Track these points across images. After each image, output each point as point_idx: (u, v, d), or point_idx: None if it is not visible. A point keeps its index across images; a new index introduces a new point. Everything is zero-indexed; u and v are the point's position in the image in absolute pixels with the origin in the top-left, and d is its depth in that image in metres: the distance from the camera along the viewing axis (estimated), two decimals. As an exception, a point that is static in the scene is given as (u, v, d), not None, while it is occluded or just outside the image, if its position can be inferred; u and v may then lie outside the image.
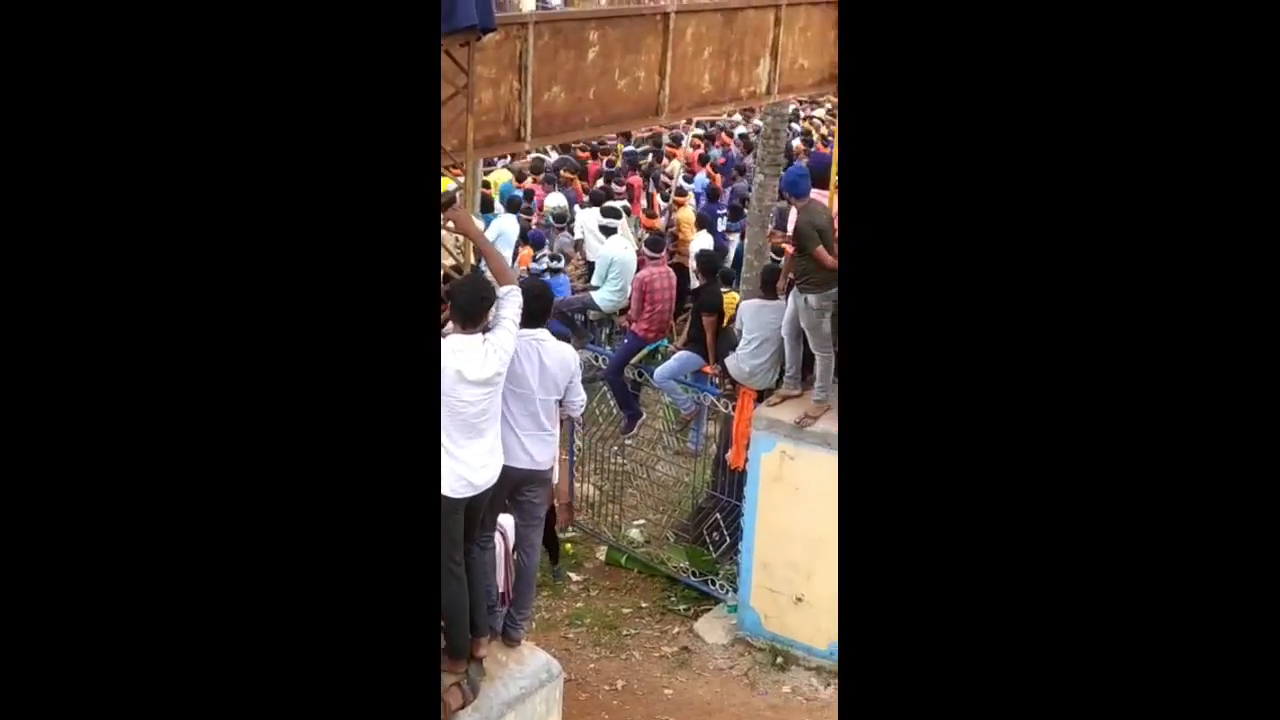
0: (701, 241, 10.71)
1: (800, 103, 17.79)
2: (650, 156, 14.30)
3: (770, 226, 8.88)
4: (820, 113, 18.84)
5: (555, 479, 5.50)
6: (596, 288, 9.47)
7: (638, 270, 8.86)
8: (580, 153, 13.36)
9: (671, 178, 13.40)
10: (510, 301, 4.13)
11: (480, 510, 4.22)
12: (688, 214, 11.65)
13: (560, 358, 4.39)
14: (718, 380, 7.83)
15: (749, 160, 13.68)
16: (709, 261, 8.21)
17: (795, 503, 6.87)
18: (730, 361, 7.31)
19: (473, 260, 4.63)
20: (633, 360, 8.20)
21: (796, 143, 14.70)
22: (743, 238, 11.02)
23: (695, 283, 9.37)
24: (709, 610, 7.53)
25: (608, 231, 9.95)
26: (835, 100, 6.78)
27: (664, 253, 8.58)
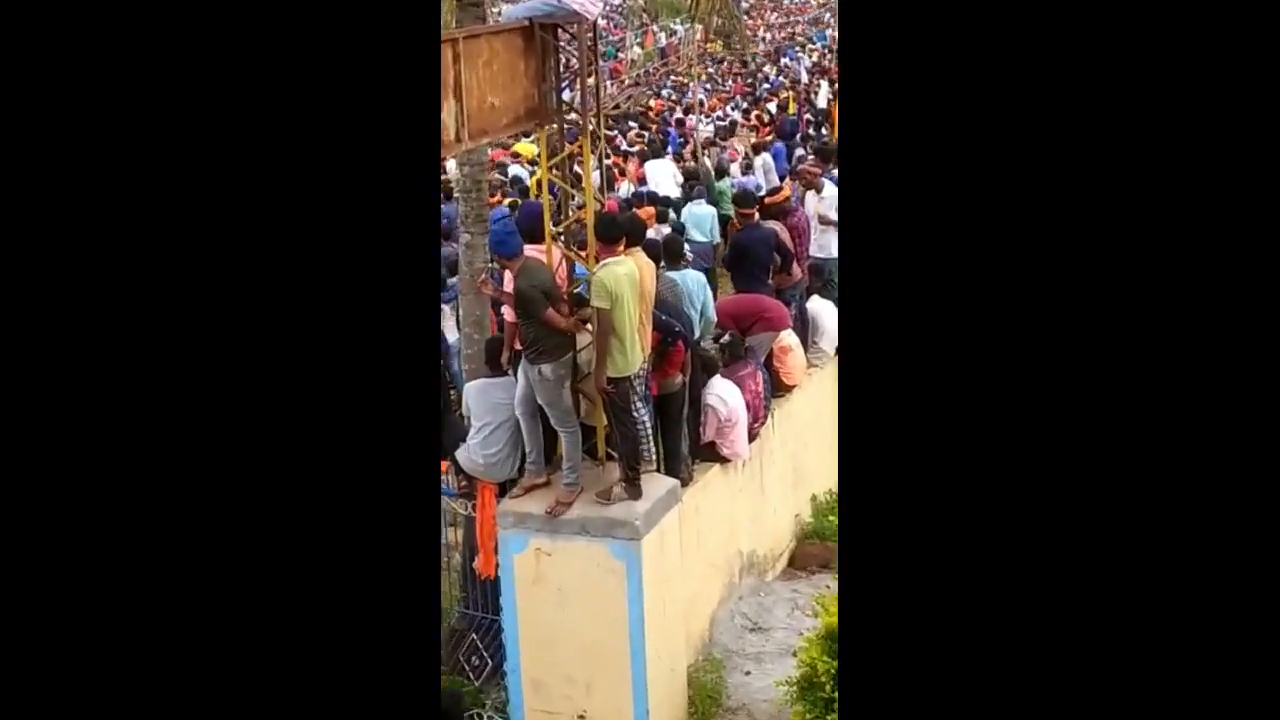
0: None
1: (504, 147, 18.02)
2: None
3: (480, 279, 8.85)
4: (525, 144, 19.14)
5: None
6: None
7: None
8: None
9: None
10: None
11: None
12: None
13: None
14: (450, 478, 7.76)
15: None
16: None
17: (561, 605, 6.85)
18: (461, 455, 7.26)
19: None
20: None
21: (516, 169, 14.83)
22: (458, 308, 11.00)
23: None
24: (480, 750, 7.38)
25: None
26: (538, 137, 7.00)
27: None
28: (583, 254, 7.05)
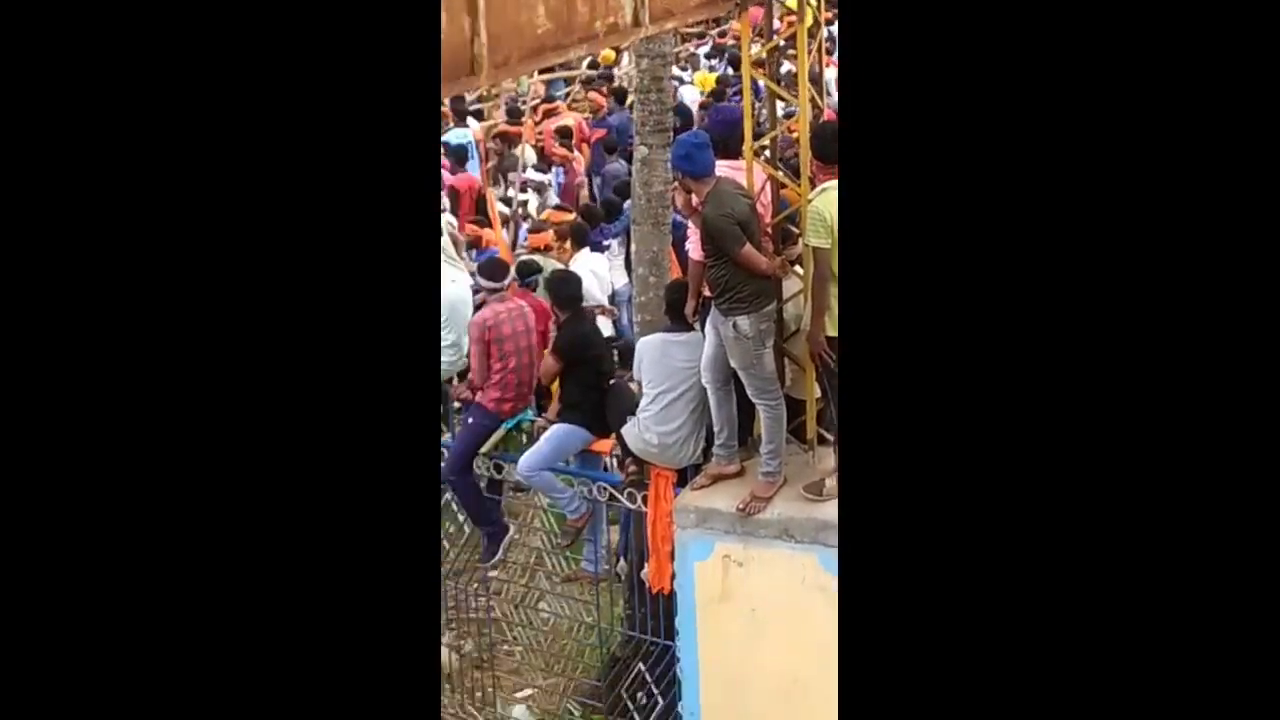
0: (586, 263, 10.61)
1: (688, 37, 17.98)
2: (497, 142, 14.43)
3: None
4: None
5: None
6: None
7: (475, 311, 8.75)
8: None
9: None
10: None
11: None
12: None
13: None
14: (616, 462, 7.77)
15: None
16: (563, 287, 8.24)
17: (753, 629, 6.85)
18: (629, 432, 7.30)
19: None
20: (483, 449, 8.10)
21: (691, 94, 14.82)
22: (628, 243, 11.01)
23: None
24: (645, 809, 7.47)
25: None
26: (735, 28, 6.94)
27: (510, 281, 8.48)
28: (794, 176, 6.92)
